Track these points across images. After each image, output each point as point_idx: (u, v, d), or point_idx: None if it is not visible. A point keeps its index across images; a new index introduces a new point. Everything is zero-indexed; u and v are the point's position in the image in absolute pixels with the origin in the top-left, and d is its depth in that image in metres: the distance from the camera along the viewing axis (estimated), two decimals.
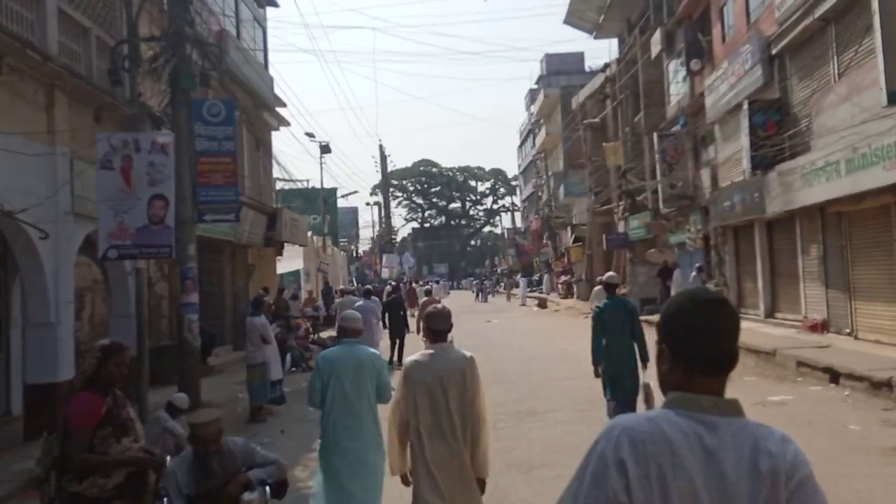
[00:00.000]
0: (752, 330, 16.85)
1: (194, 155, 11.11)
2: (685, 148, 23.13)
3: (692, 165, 23.03)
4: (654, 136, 24.01)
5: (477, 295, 52.53)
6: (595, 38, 37.07)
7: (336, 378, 4.98)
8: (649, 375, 7.78)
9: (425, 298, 17.90)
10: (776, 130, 15.88)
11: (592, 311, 8.61)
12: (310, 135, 32.44)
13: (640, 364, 7.82)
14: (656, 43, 25.43)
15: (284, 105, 23.45)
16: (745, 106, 16.50)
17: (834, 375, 10.68)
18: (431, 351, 4.50)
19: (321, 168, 34.23)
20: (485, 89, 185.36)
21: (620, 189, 30.27)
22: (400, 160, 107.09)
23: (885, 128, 10.24)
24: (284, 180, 36.61)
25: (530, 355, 17.15)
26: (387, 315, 16.98)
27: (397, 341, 16.57)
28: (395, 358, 15.93)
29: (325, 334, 21.35)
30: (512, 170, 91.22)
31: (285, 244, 23.52)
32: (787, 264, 16.96)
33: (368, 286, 21.53)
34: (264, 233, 20.54)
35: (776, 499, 1.56)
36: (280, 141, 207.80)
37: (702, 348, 1.64)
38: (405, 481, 4.55)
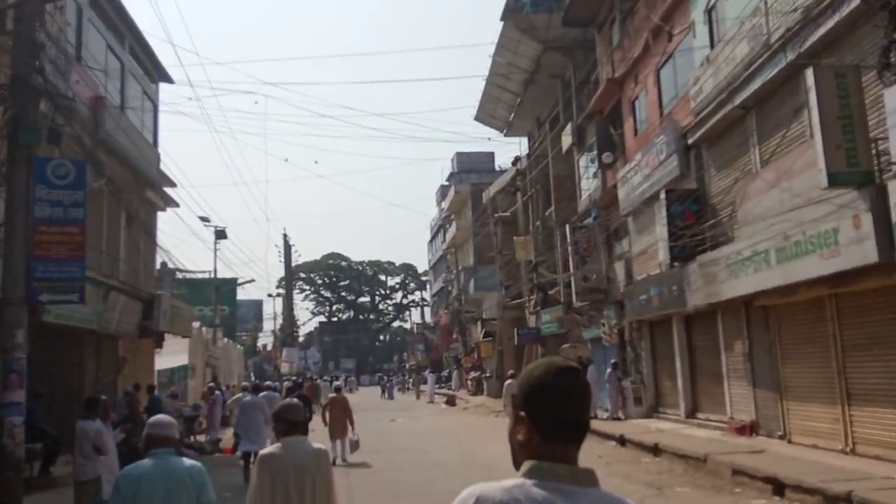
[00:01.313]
0: (675, 432, 15.78)
1: (32, 222, 9.34)
2: (598, 241, 22.61)
3: (605, 258, 22.46)
4: (567, 228, 23.46)
5: (383, 391, 50.49)
6: (505, 135, 37.30)
7: (142, 502, 4.02)
8: (582, 455, 7.21)
9: (332, 395, 16.84)
10: (695, 221, 15.31)
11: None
12: (204, 219, 30.43)
13: None
14: (567, 137, 25.32)
15: (174, 185, 21.72)
16: (662, 196, 15.96)
17: (778, 487, 9.51)
18: (284, 444, 4.52)
19: (215, 255, 32.11)
20: (395, 171, 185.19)
21: (532, 283, 29.55)
22: (303, 246, 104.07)
23: (820, 213, 9.55)
24: (182, 271, 34.40)
25: (436, 461, 15.38)
26: None
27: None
28: None
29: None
30: (422, 263, 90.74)
31: (166, 335, 21.27)
32: (709, 361, 16.11)
33: (256, 382, 20.11)
34: (139, 321, 18.33)
35: None
36: (169, 225, 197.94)
37: (563, 414, 1.66)
38: None
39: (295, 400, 4.95)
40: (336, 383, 20.78)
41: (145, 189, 19.71)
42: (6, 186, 8.94)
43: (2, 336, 8.94)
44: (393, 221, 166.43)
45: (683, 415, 17.24)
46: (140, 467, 4.13)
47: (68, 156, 14.33)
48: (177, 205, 22.72)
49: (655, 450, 13.83)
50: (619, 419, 19.68)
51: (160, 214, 22.23)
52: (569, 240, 23.08)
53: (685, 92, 16.36)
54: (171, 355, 24.19)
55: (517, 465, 1.68)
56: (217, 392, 20.51)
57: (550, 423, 1.65)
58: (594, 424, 18.70)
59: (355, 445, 14.95)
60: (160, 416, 4.55)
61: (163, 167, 20.90)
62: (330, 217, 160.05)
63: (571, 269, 22.94)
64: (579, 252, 22.52)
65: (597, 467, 7.38)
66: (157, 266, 23.92)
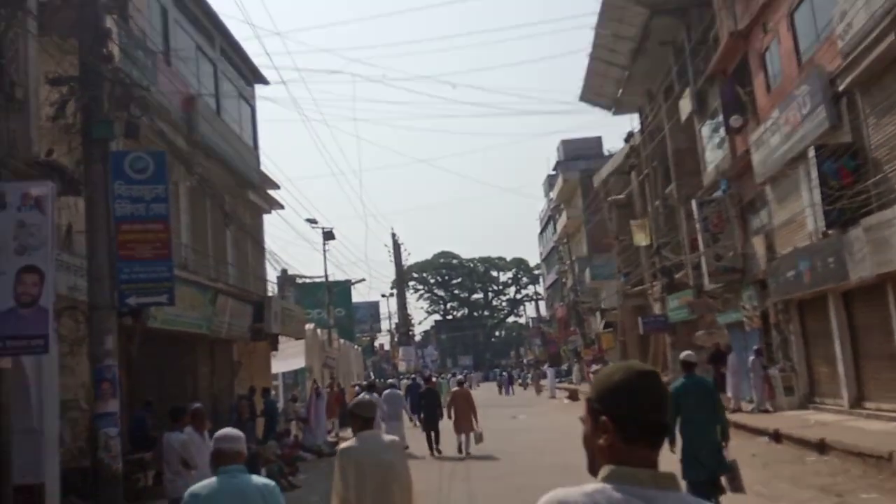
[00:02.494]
0: (840, 424, 13.62)
1: (114, 222, 8.70)
2: (730, 215, 20.41)
3: (740, 234, 20.25)
4: (693, 204, 21.35)
5: (500, 388, 49.52)
6: (614, 114, 35.10)
7: None
8: (733, 453, 7.91)
9: (455, 389, 18.03)
10: (853, 179, 13.13)
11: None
12: (311, 221, 30.18)
13: (721, 443, 7.82)
14: (686, 105, 23.20)
15: (277, 186, 21.31)
16: (811, 154, 13.83)
17: None
18: (360, 437, 4.84)
19: (325, 257, 31.81)
20: (501, 154, 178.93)
21: (655, 267, 27.47)
22: (411, 241, 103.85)
23: None
24: (302, 277, 34.48)
25: (565, 463, 13.82)
26: (422, 406, 18.15)
27: (431, 433, 16.92)
28: (435, 447, 16.72)
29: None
30: (533, 256, 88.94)
31: (280, 338, 20.81)
32: (878, 342, 13.85)
33: (372, 380, 20.66)
34: (250, 325, 17.77)
35: None
36: (275, 227, 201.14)
37: (648, 416, 1.67)
38: None
39: (366, 396, 5.49)
40: (458, 377, 22.09)
41: (247, 191, 19.29)
42: (84, 185, 8.34)
43: (91, 344, 8.46)
44: (501, 210, 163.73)
45: (847, 405, 14.99)
46: (208, 486, 3.79)
47: (173, 164, 14.00)
48: (281, 207, 22.41)
49: (821, 446, 11.82)
50: (767, 411, 17.56)
51: (266, 218, 21.93)
52: (696, 217, 20.99)
53: (829, 32, 14.16)
54: (288, 359, 23.96)
55: (594, 472, 1.69)
56: (323, 391, 19.96)
57: (635, 426, 1.66)
58: (741, 418, 16.72)
59: (479, 438, 15.56)
60: (228, 430, 4.14)
61: (264, 169, 20.53)
62: (436, 209, 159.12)
63: (701, 248, 20.84)
64: (709, 229, 20.41)
65: (753, 468, 10.75)
66: (277, 273, 23.96)
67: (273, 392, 19.90)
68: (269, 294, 20.45)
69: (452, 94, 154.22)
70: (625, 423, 1.64)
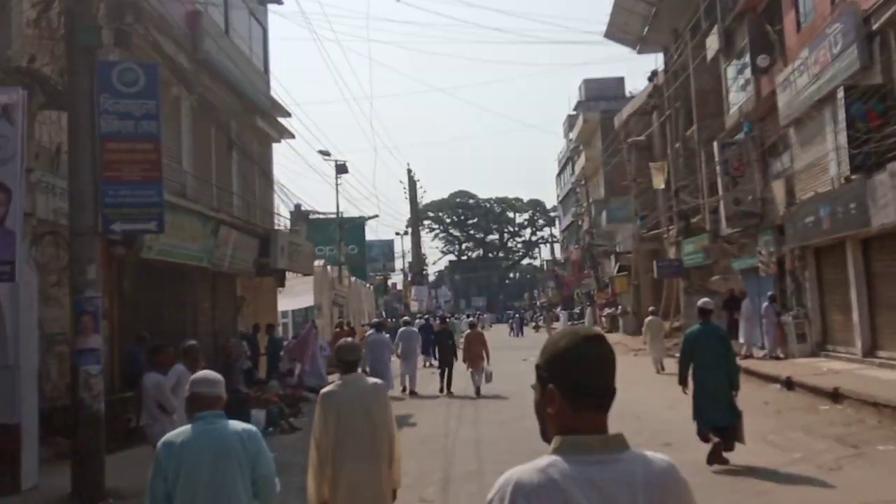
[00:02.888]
0: (854, 373, 13.48)
1: (99, 140, 7.93)
2: (751, 158, 19.92)
3: (760, 178, 19.80)
4: (715, 145, 20.84)
5: (511, 329, 49.53)
6: (638, 52, 34.11)
7: (186, 476, 3.43)
8: (745, 400, 8.37)
9: (468, 331, 18.36)
10: (882, 122, 12.67)
11: (682, 337, 9.19)
12: (324, 153, 29.52)
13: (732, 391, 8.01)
14: (712, 43, 22.42)
15: (288, 114, 20.62)
16: (840, 94, 13.34)
17: None
18: (343, 381, 4.78)
19: (337, 192, 31.20)
20: (521, 85, 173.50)
21: (672, 211, 27.06)
22: (427, 177, 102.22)
23: None
24: (315, 213, 33.98)
25: None
26: (436, 345, 18.33)
27: (446, 370, 17.10)
28: (445, 385, 16.87)
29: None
30: (550, 198, 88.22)
31: (287, 274, 20.36)
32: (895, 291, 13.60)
33: (380, 319, 19.71)
34: (255, 259, 17.18)
35: None
36: (285, 157, 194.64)
37: (592, 382, 1.67)
38: None
39: (350, 339, 5.19)
40: (470, 319, 22.53)
41: (255, 118, 18.44)
42: (68, 97, 7.86)
43: (72, 273, 7.87)
44: (520, 149, 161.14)
45: (860, 353, 14.82)
46: (183, 434, 3.51)
47: (171, 81, 13.42)
48: (292, 136, 21.62)
49: (835, 395, 11.69)
50: (778, 358, 17.43)
51: (275, 148, 21.32)
52: (717, 159, 20.51)
53: None
54: (296, 296, 23.66)
55: (546, 439, 1.70)
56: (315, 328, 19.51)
57: (581, 391, 1.67)
58: (753, 364, 16.64)
59: (489, 377, 15.94)
60: (205, 372, 3.82)
61: (276, 96, 19.84)
62: (453, 144, 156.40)
63: (720, 192, 20.42)
64: (729, 172, 19.93)
65: (765, 416, 11.27)
66: (289, 207, 23.28)
67: (279, 330, 19.61)
68: (277, 228, 19.89)
69: (474, 17, 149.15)
70: (571, 390, 1.66)
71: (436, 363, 18.90)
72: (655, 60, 34.27)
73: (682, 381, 8.36)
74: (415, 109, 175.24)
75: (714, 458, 8.00)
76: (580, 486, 1.56)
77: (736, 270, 21.67)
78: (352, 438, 4.53)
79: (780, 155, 18.90)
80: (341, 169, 30.46)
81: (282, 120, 20.46)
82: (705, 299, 8.90)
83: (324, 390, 4.83)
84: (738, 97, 21.62)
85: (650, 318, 20.21)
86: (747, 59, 19.82)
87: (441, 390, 16.82)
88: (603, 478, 1.58)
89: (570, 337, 1.72)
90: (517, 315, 54.91)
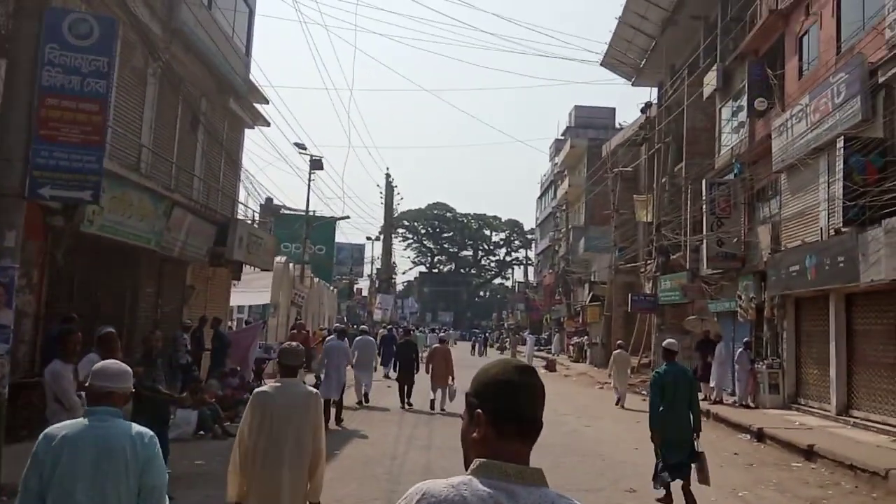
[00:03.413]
0: (827, 431, 13.13)
1: (38, 93, 7.11)
2: (738, 200, 19.68)
3: (745, 221, 19.55)
4: (703, 183, 20.58)
5: (473, 347, 48.92)
6: (633, 84, 34.13)
7: (63, 476, 3.05)
8: (702, 445, 8.00)
9: (436, 345, 18.06)
10: (879, 177, 12.40)
11: (651, 377, 8.89)
12: (300, 146, 28.67)
13: (693, 434, 7.94)
14: (710, 80, 22.24)
15: (266, 101, 19.71)
16: (840, 144, 13.06)
17: None
18: (280, 384, 4.75)
19: (309, 187, 30.22)
20: (509, 100, 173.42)
21: (652, 245, 26.77)
22: (404, 185, 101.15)
23: None
24: (289, 209, 32.94)
25: (539, 444, 13.37)
26: (398, 357, 17.84)
27: (405, 385, 16.67)
28: (406, 400, 16.46)
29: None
30: (528, 220, 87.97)
31: (245, 267, 19.17)
32: (877, 350, 13.31)
33: (343, 325, 18.46)
34: (210, 247, 16.00)
35: None
36: (256, 145, 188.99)
37: (521, 410, 1.69)
38: None
39: (294, 344, 5.11)
40: (441, 335, 21.29)
41: (228, 99, 17.32)
42: (10, 43, 7.01)
43: None
44: (502, 167, 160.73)
45: (834, 410, 14.50)
46: (67, 428, 3.18)
47: (136, 46, 12.49)
48: (267, 123, 20.45)
49: (808, 453, 11.26)
50: (748, 406, 17.12)
51: (247, 133, 20.06)
52: (704, 197, 20.24)
53: (877, 21, 13.31)
54: (252, 291, 22.57)
55: (467, 466, 1.70)
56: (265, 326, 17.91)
57: (508, 419, 1.68)
58: (722, 411, 16.27)
59: (453, 395, 15.62)
60: (106, 363, 3.43)
61: (254, 80, 18.87)
62: (435, 150, 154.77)
63: (705, 231, 20.13)
64: (715, 212, 19.67)
65: (735, 468, 10.73)
66: (257, 199, 22.24)
67: (233, 325, 18.48)
68: (240, 217, 18.52)
69: (470, 18, 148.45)
70: (498, 417, 1.68)
71: (394, 377, 18.32)
72: (650, 94, 34.26)
73: (653, 426, 8.05)
74: (398, 109, 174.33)
75: None
76: None
77: (711, 312, 21.37)
78: (275, 442, 4.51)
79: (768, 200, 18.66)
80: (316, 165, 29.58)
81: (258, 106, 19.55)
82: (670, 340, 8.99)
83: (258, 389, 4.83)
84: (730, 138, 21.44)
85: (618, 351, 20.10)
86: (744, 101, 19.64)
87: (402, 406, 16.29)
88: None
89: (503, 366, 1.75)
90: (483, 335, 54.33)
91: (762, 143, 18.31)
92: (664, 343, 8.88)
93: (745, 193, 19.51)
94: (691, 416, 7.90)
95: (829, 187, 14.55)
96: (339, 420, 13.50)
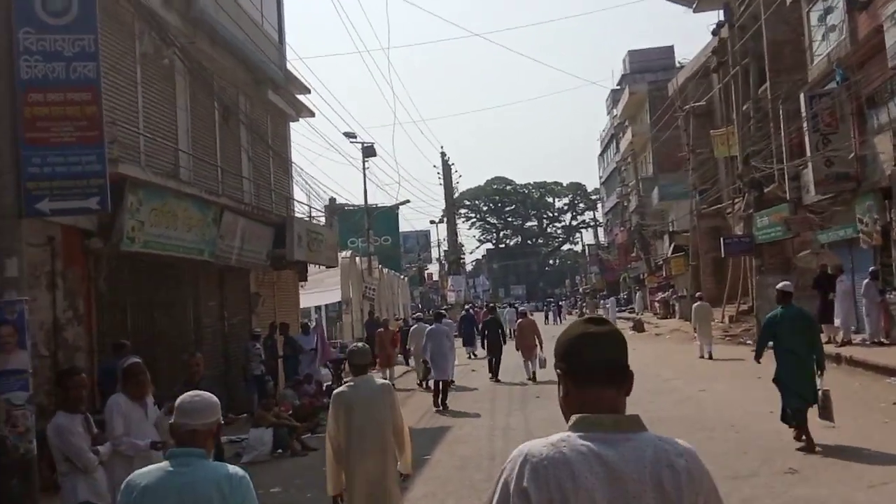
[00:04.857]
0: None
1: (19, 89, 5.92)
2: (845, 112, 17.08)
3: (856, 135, 16.95)
4: (801, 98, 18.02)
5: (547, 317, 47.02)
6: (695, 10, 31.24)
7: None
8: (826, 383, 7.90)
9: (520, 320, 18.44)
10: None
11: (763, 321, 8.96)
12: (349, 135, 27.15)
13: (817, 372, 7.79)
14: None
15: (307, 91, 18.05)
16: None
17: None
18: (353, 382, 5.04)
19: (364, 177, 28.56)
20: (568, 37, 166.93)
21: (740, 181, 24.18)
22: (459, 160, 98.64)
23: None
24: (350, 206, 31.32)
25: (647, 413, 11.38)
26: (485, 333, 18.59)
27: (493, 359, 17.46)
28: (494, 373, 17.17)
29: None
30: (591, 181, 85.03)
31: (309, 266, 17.99)
32: None
33: (441, 310, 20.16)
34: (269, 251, 14.81)
35: None
36: (302, 136, 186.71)
37: (591, 356, 1.74)
38: (337, 502, 4.84)
39: (361, 344, 5.42)
40: (521, 308, 22.77)
41: (266, 91, 15.94)
42: None
43: None
44: (559, 130, 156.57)
45: None
46: (148, 477, 2.86)
47: (163, 49, 11.22)
48: (311, 114, 19.17)
49: None
50: (882, 344, 14.78)
51: (294, 127, 18.77)
52: (804, 114, 17.69)
53: None
54: (321, 290, 21.41)
55: (566, 418, 1.76)
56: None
57: (580, 366, 1.74)
58: (854, 352, 14.06)
59: (543, 362, 16.29)
60: (188, 397, 2.98)
61: (293, 69, 17.30)
62: (487, 115, 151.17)
63: (808, 152, 17.61)
64: (819, 129, 17.14)
65: (875, 422, 9.32)
66: (311, 192, 21.08)
67: (310, 327, 17.08)
68: (296, 215, 17.23)
69: None
70: (572, 366, 1.75)
71: (479, 355, 19.19)
72: (716, 17, 31.38)
73: (758, 356, 8.55)
74: (439, 66, 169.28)
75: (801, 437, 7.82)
76: (588, 462, 1.62)
77: (821, 244, 18.86)
78: (361, 434, 4.78)
79: (884, 104, 16.01)
80: (369, 152, 28.12)
81: (301, 97, 18.02)
82: (785, 282, 8.75)
83: (336, 391, 5.08)
84: (824, 45, 18.76)
85: (698, 303, 19.15)
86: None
87: (490, 379, 17.01)
88: (611, 455, 1.62)
89: (572, 324, 1.85)
90: (556, 303, 52.42)
91: (868, 40, 15.72)
92: (778, 285, 8.57)
93: (854, 102, 16.89)
94: (815, 361, 7.76)
95: None
96: (444, 403, 13.61)
